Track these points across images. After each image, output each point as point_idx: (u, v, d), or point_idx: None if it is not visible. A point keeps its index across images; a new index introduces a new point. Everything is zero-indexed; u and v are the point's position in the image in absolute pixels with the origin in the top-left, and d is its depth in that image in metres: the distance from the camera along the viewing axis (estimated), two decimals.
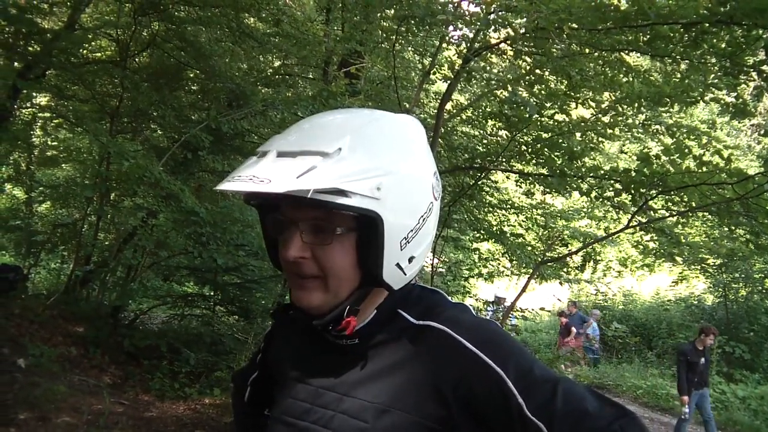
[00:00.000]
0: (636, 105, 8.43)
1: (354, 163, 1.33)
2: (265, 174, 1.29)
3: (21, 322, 9.83)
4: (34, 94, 14.11)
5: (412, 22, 7.97)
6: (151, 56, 12.52)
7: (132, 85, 10.74)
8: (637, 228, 8.89)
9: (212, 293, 11.53)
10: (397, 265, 1.45)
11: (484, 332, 1.49)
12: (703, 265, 16.54)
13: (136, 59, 12.19)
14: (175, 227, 10.15)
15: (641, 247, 11.98)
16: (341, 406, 1.50)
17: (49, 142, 18.27)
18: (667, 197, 7.95)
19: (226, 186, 1.31)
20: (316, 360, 1.62)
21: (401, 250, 1.44)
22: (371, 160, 1.37)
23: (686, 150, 7.46)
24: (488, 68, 9.67)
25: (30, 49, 11.13)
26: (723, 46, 6.56)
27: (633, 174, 7.52)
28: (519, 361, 1.43)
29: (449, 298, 1.63)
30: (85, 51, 12.35)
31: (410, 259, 1.48)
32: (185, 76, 12.37)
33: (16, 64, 11.32)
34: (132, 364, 9.64)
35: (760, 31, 5.86)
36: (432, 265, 10.69)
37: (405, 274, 1.48)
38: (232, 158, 11.68)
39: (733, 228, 7.95)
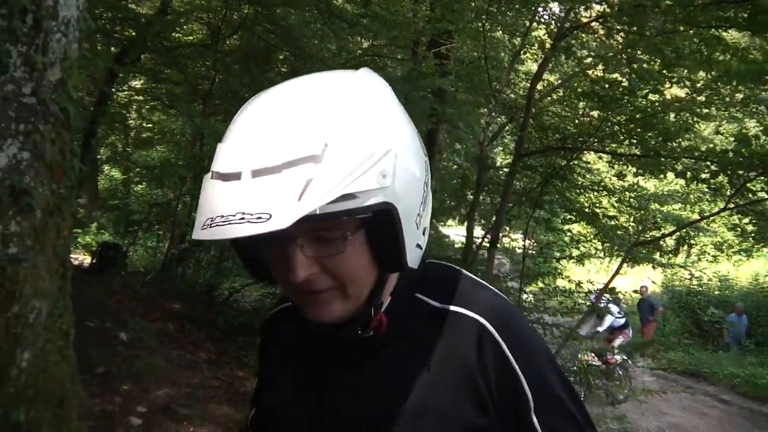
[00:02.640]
0: (734, 83, 8.15)
1: (349, 157, 1.13)
2: (256, 207, 1.06)
3: (121, 298, 10.19)
4: (130, 77, 14.56)
5: (502, 0, 7.92)
6: (241, 39, 12.72)
7: (223, 67, 10.94)
8: (735, 211, 8.63)
9: None
10: (417, 245, 1.31)
11: (514, 325, 1.36)
12: None
13: (227, 42, 12.41)
14: None
15: (738, 230, 11.60)
16: (365, 410, 1.35)
17: (144, 125, 18.83)
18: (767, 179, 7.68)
19: (206, 234, 1.08)
20: (325, 362, 1.43)
21: (417, 228, 1.29)
22: (365, 144, 1.17)
23: None
24: (579, 47, 9.50)
25: (126, 34, 11.47)
26: None
27: (730, 155, 7.29)
28: (542, 367, 1.35)
29: (465, 272, 1.47)
30: (177, 35, 12.66)
31: (424, 232, 1.34)
32: (275, 58, 12.51)
33: (113, 49, 11.69)
34: (226, 340, 9.87)
35: None
36: (524, 246, 10.59)
37: (422, 249, 1.35)
38: None
39: None
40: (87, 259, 13.65)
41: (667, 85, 8.77)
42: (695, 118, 9.61)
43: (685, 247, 23.20)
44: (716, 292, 23.50)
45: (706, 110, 9.16)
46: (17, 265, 3.36)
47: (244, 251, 1.36)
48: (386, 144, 1.19)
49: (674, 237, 11.84)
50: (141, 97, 15.31)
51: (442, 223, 14.56)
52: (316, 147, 1.10)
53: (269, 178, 1.08)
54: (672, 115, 9.35)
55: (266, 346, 1.62)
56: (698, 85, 8.88)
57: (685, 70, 8.75)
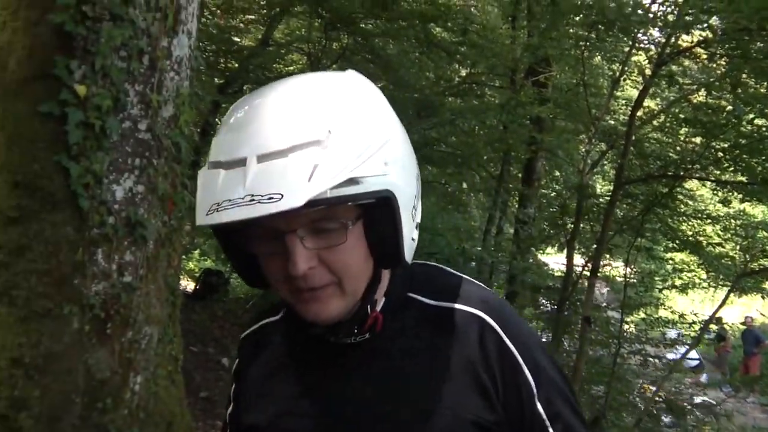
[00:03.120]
0: None
1: (353, 143, 1.13)
2: (266, 188, 1.05)
3: (223, 324, 10.47)
4: None
5: (601, 27, 7.86)
6: (340, 68, 12.98)
7: None
8: None
9: None
10: (412, 238, 1.30)
11: (509, 316, 1.37)
12: None
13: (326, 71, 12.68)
14: None
15: None
16: (374, 413, 1.31)
17: None
18: None
19: (213, 218, 1.08)
20: (323, 368, 1.38)
21: (412, 220, 1.29)
22: (366, 132, 1.17)
23: None
24: (681, 74, 9.34)
25: (229, 66, 11.86)
26: None
27: None
28: (541, 359, 1.35)
29: (448, 269, 1.47)
30: (278, 65, 13.00)
31: (416, 227, 1.33)
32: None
33: (216, 80, 12.10)
34: None
35: None
36: (625, 275, 10.38)
37: (415, 244, 1.33)
38: (423, 167, 11.91)
39: None
40: (190, 285, 14.07)
41: None
42: None
43: None
44: None
45: None
46: (131, 293, 3.53)
47: (235, 251, 1.29)
48: (385, 134, 1.21)
49: None
50: None
51: (541, 251, 14.43)
52: (320, 133, 1.10)
53: (276, 162, 1.07)
54: None
55: (246, 367, 1.51)
56: None
57: None
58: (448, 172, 14.32)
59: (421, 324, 1.35)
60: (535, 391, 1.31)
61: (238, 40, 13.19)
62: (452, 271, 1.45)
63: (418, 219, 1.33)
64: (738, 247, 11.34)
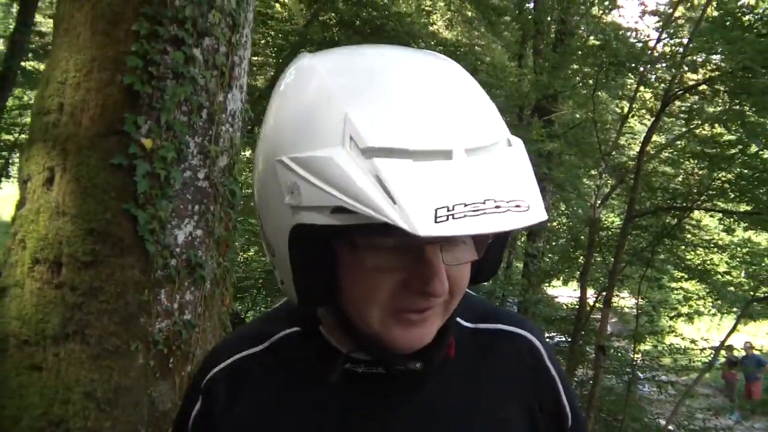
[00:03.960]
0: None
1: (525, 158, 0.93)
2: (508, 192, 0.84)
3: None
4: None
5: (611, 67, 8.20)
6: None
7: None
8: None
9: None
10: None
11: (544, 338, 1.24)
12: None
13: None
14: None
15: None
16: None
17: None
18: None
19: (455, 229, 0.78)
20: (337, 404, 1.10)
21: None
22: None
23: None
24: (687, 109, 9.67)
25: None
26: None
27: None
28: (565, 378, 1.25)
29: (474, 294, 1.26)
30: None
31: None
32: None
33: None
34: None
35: None
36: (636, 305, 10.64)
37: None
38: None
39: None
40: None
41: None
42: None
43: None
44: None
45: None
46: (191, 330, 3.78)
47: (317, 257, 0.97)
48: None
49: None
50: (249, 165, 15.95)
51: (547, 284, 14.66)
52: (503, 133, 0.92)
53: (486, 159, 0.85)
54: None
55: (222, 410, 1.16)
56: None
57: None
58: None
59: (466, 350, 1.15)
60: (570, 423, 1.21)
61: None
62: (471, 293, 1.22)
63: None
64: (744, 275, 11.59)
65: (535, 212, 0.85)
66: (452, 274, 0.96)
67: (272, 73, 13.67)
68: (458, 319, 1.16)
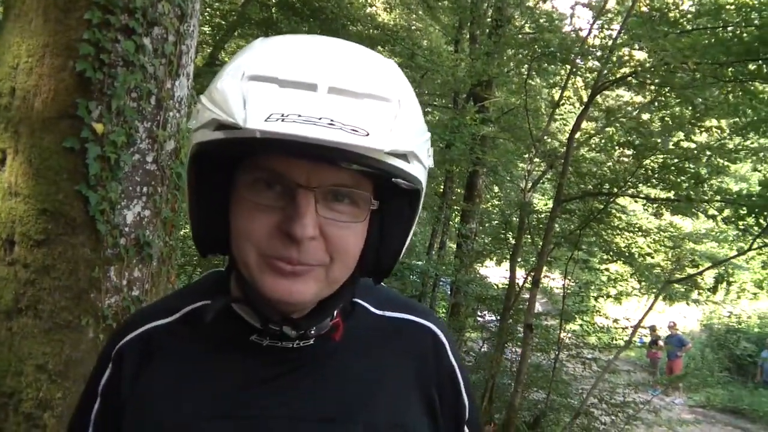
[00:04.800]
0: (762, 130, 8.70)
1: (414, 120, 1.01)
2: (349, 118, 0.89)
3: None
4: None
5: (544, 57, 8.53)
6: None
7: None
8: (763, 250, 9.10)
9: None
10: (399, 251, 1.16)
11: (452, 337, 1.31)
12: None
13: None
14: None
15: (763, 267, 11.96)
16: None
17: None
18: None
19: (280, 127, 0.86)
20: (249, 379, 1.12)
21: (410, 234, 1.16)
22: (420, 116, 1.06)
23: None
24: (615, 98, 10.07)
25: None
26: None
27: (755, 199, 7.82)
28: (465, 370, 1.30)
29: (383, 286, 1.31)
30: None
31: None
32: None
33: None
34: None
35: None
36: (563, 286, 11.04)
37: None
38: None
39: None
40: None
41: (698, 132, 9.30)
42: (727, 163, 10.11)
43: (724, 285, 23.44)
44: (756, 330, 23.64)
45: (736, 155, 9.66)
46: (139, 305, 3.95)
47: (207, 192, 1.07)
48: (424, 124, 1.07)
49: (713, 275, 12.17)
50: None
51: (480, 264, 15.00)
52: (393, 95, 0.98)
53: (349, 101, 0.93)
54: (704, 160, 9.84)
55: (131, 379, 1.18)
56: (726, 133, 9.40)
57: (716, 119, 9.32)
58: None
59: (370, 333, 1.22)
60: (467, 415, 1.28)
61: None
62: (382, 285, 1.29)
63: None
64: (667, 258, 12.09)
65: (372, 139, 0.87)
66: (332, 234, 1.01)
67: (209, 51, 13.67)
68: (366, 305, 1.25)
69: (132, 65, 3.72)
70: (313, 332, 1.13)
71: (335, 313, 1.15)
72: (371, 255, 1.11)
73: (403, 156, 0.97)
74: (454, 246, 15.41)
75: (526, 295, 9.98)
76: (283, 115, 0.87)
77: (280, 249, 1.00)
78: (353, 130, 0.87)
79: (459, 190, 15.08)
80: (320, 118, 0.87)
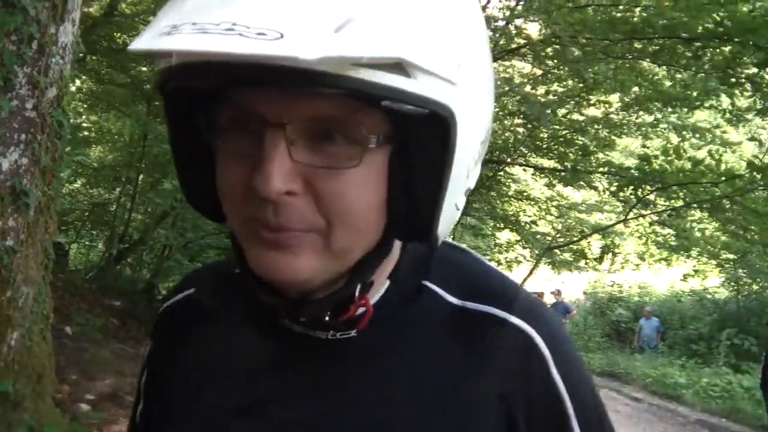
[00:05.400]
0: (645, 106, 9.06)
1: (419, 15, 0.66)
2: (258, 19, 0.58)
3: (63, 294, 10.48)
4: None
5: None
6: None
7: None
8: (638, 220, 9.49)
9: None
10: (455, 204, 0.81)
11: (564, 341, 0.89)
12: (718, 260, 17.20)
13: None
14: None
15: (643, 239, 12.51)
16: None
17: (84, 124, 18.83)
18: (666, 194, 8.58)
19: (162, 42, 0.57)
20: (282, 372, 0.90)
21: (467, 177, 0.81)
22: (444, 13, 0.71)
23: (683, 151, 8.11)
24: (510, 68, 10.26)
25: None
26: (720, 58, 7.19)
27: (634, 172, 8.17)
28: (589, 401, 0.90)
29: (481, 258, 0.97)
30: (124, 37, 12.90)
31: (466, 192, 0.84)
32: None
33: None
34: None
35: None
36: None
37: (456, 217, 0.84)
38: None
39: (724, 224, 8.67)
40: None
41: (587, 105, 9.60)
42: (613, 136, 10.47)
43: (609, 255, 24.27)
44: (636, 299, 24.72)
45: (621, 129, 10.04)
46: (12, 255, 3.86)
47: (187, 139, 0.81)
48: (472, 32, 0.76)
49: (599, 245, 12.65)
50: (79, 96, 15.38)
51: None
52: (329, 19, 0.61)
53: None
54: (591, 132, 10.18)
55: (167, 350, 1.03)
56: (614, 107, 9.73)
57: (604, 94, 9.63)
58: None
59: (436, 329, 0.88)
60: None
61: (84, 8, 12.96)
62: (488, 263, 0.98)
63: (473, 183, 0.86)
64: (553, 227, 12.45)
65: (286, 44, 0.55)
66: (322, 188, 0.71)
67: (108, 1, 13.19)
68: (438, 289, 0.89)
69: (12, 6, 3.60)
70: (327, 319, 0.82)
71: (355, 294, 0.80)
72: (400, 210, 0.76)
73: (391, 67, 0.63)
74: None
75: None
76: (174, 27, 0.59)
77: (256, 209, 0.72)
78: (259, 33, 0.56)
79: None
80: (218, 24, 0.57)
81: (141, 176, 12.60)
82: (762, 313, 19.98)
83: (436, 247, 0.82)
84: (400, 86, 0.64)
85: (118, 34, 12.87)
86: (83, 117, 17.00)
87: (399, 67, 0.63)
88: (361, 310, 0.82)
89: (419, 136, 0.71)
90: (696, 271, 21.27)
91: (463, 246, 0.98)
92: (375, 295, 0.86)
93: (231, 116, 0.73)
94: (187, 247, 12.51)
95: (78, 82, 15.94)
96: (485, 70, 0.79)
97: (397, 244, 0.87)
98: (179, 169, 0.85)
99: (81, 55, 10.80)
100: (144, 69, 12.44)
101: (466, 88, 0.71)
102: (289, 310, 0.82)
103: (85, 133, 17.03)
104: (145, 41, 0.61)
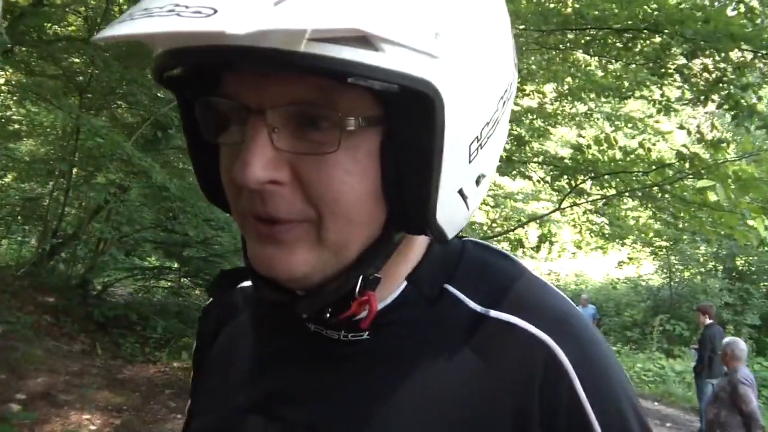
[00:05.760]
0: (578, 96, 9.19)
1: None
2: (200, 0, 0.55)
3: None
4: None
5: None
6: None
7: (102, 62, 10.98)
8: (573, 209, 9.65)
9: (178, 266, 12.04)
10: (460, 191, 0.75)
11: (596, 355, 0.80)
12: (651, 248, 17.59)
13: None
14: (145, 202, 10.62)
15: (578, 228, 12.72)
16: None
17: (14, 117, 18.31)
18: (598, 183, 8.72)
19: (105, 32, 0.57)
20: (293, 370, 0.88)
21: (470, 161, 0.74)
22: None
23: (614, 141, 8.24)
24: None
25: None
26: (650, 50, 7.33)
27: (567, 162, 8.29)
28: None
29: (520, 263, 0.90)
30: (52, 27, 12.56)
31: (479, 180, 0.78)
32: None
33: None
34: (100, 332, 10.09)
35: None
36: None
37: (468, 209, 0.78)
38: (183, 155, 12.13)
39: (656, 212, 8.85)
40: None
41: (521, 96, 9.69)
42: (547, 126, 10.60)
43: (546, 244, 24.67)
44: (573, 287, 25.19)
45: (554, 119, 10.18)
46: None
47: (197, 144, 0.80)
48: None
49: (536, 234, 12.77)
50: (5, 88, 14.98)
51: None
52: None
53: None
54: (526, 122, 10.28)
55: (204, 349, 1.04)
56: (547, 98, 9.86)
57: (538, 84, 9.74)
58: None
59: (453, 336, 0.81)
60: None
61: None
62: (526, 267, 0.89)
63: (486, 170, 0.79)
64: (487, 216, 12.55)
65: (216, 20, 0.53)
66: (307, 176, 0.69)
67: None
68: (461, 294, 0.83)
69: None
70: (329, 314, 0.78)
71: (356, 290, 0.75)
72: (395, 199, 0.72)
73: (355, 40, 0.59)
74: None
75: None
76: (130, 14, 0.59)
77: (248, 204, 0.72)
78: (195, 12, 0.55)
79: None
80: (162, 7, 0.56)
81: (75, 170, 12.31)
82: (693, 298, 20.60)
83: (444, 240, 0.77)
84: (363, 60, 0.60)
85: (48, 25, 12.55)
86: (13, 110, 16.59)
87: (364, 40, 0.60)
88: (362, 314, 0.77)
89: (403, 116, 0.67)
90: (630, 259, 21.73)
91: (507, 252, 0.90)
92: (389, 296, 0.83)
93: (225, 108, 0.71)
94: (123, 241, 12.32)
95: (6, 74, 15.52)
96: (485, 41, 0.73)
97: (419, 245, 0.84)
98: (194, 163, 0.83)
99: (9, 46, 10.52)
100: (77, 60, 12.17)
101: (451, 62, 0.66)
102: (287, 305, 0.78)
103: (16, 126, 16.62)
104: (104, 31, 0.58)
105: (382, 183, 0.71)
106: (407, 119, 0.67)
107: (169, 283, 12.43)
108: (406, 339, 0.81)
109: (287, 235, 0.71)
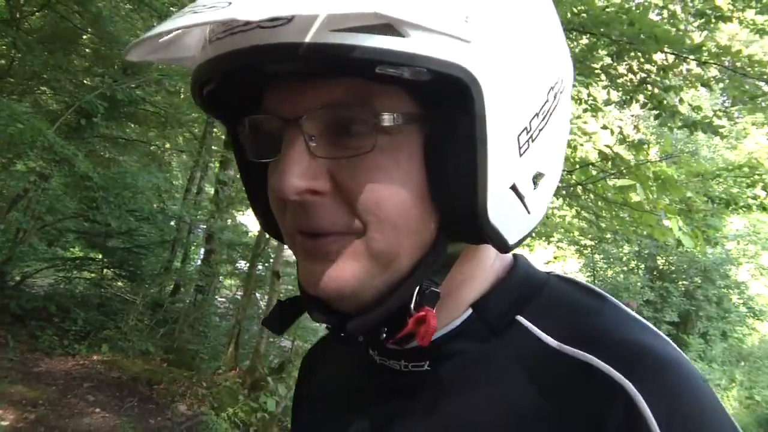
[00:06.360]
0: None
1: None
2: None
3: None
4: None
5: None
6: (44, 18, 12.40)
7: (25, 46, 10.69)
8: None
9: (101, 257, 11.80)
10: (513, 188, 0.70)
11: (687, 405, 0.67)
12: (577, 246, 17.97)
13: (29, 20, 12.09)
14: (67, 191, 10.37)
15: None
16: None
17: None
18: None
19: (163, 26, 0.56)
20: (363, 400, 0.87)
21: (520, 154, 0.69)
22: None
23: None
24: None
25: None
26: (577, 51, 7.46)
27: None
28: None
29: (612, 300, 0.81)
30: None
31: (535, 179, 0.73)
32: (80, 41, 12.32)
33: None
34: (17, 324, 9.83)
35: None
36: None
37: (528, 211, 0.73)
38: (126, 125, 11.87)
39: (579, 210, 9.03)
40: None
41: None
42: None
43: None
44: None
45: None
46: None
47: (248, 173, 0.81)
48: None
49: None
50: None
51: (241, 212, 14.88)
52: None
53: None
54: None
55: (302, 394, 1.05)
56: None
57: None
58: (152, 132, 14.26)
59: (519, 371, 0.75)
60: None
61: None
62: (618, 304, 0.80)
63: (543, 168, 0.74)
64: None
65: (230, 10, 0.53)
66: (347, 184, 0.66)
67: None
68: (534, 328, 0.77)
69: None
70: (385, 334, 0.72)
71: (411, 305, 0.70)
72: (443, 201, 0.68)
73: (380, 28, 0.57)
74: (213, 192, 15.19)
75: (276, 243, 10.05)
76: (182, 14, 0.60)
77: (293, 219, 0.70)
78: (211, 7, 0.55)
79: (221, 136, 14.84)
80: (186, 12, 0.58)
81: None
82: (616, 296, 20.99)
83: (504, 246, 0.72)
84: (390, 47, 0.58)
85: None
86: None
87: (389, 28, 0.58)
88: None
89: (443, 110, 0.65)
90: (556, 257, 22.09)
91: (599, 290, 0.82)
92: (451, 323, 0.78)
93: (267, 126, 0.70)
94: (44, 230, 12.02)
95: None
96: (525, 28, 0.69)
97: (488, 270, 0.81)
98: (248, 193, 0.82)
99: None
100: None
101: (487, 47, 0.63)
102: (336, 325, 0.73)
103: None
104: (139, 42, 0.63)
105: (428, 187, 0.67)
106: (446, 112, 0.64)
107: (92, 275, 12.15)
108: (468, 370, 0.77)
109: (332, 248, 0.68)
